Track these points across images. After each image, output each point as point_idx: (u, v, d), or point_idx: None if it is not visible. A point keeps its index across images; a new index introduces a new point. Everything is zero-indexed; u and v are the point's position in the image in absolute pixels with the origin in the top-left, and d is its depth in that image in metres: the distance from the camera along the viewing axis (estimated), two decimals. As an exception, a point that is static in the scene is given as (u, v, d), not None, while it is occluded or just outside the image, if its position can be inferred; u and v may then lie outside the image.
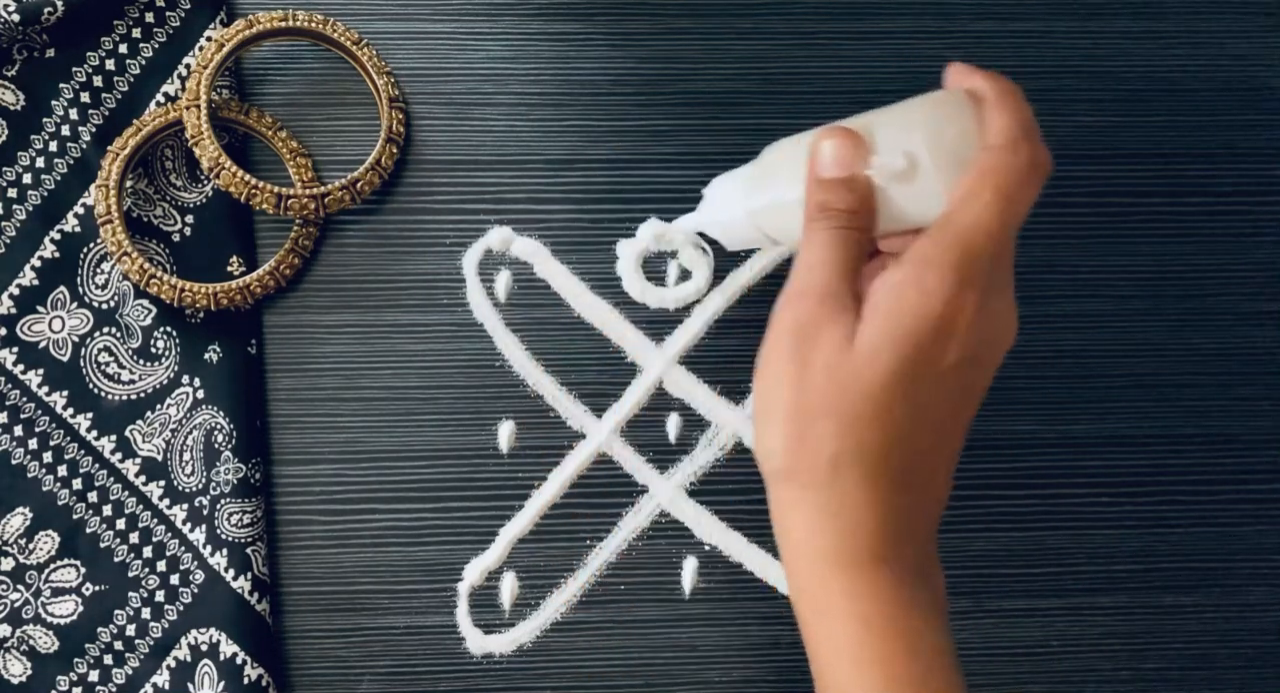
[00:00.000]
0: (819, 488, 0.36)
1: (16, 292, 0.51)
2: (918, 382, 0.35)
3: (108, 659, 0.49)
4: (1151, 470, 0.52)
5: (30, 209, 0.51)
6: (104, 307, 0.51)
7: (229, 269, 0.51)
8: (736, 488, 0.51)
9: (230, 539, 0.49)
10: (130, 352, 0.51)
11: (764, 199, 0.41)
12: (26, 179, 0.51)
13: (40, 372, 0.51)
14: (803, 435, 0.36)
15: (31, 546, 0.50)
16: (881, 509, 0.36)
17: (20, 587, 0.50)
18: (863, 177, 0.37)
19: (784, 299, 0.37)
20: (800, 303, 0.36)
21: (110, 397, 0.51)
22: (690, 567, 0.51)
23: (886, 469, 0.36)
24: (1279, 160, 0.54)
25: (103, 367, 0.51)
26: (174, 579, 0.50)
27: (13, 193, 0.51)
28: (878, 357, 0.35)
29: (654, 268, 0.52)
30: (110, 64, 0.52)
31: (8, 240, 0.51)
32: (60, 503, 0.50)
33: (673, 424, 0.51)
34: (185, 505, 0.50)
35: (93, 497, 0.50)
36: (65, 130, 0.51)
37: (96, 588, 0.50)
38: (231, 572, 0.49)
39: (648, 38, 0.53)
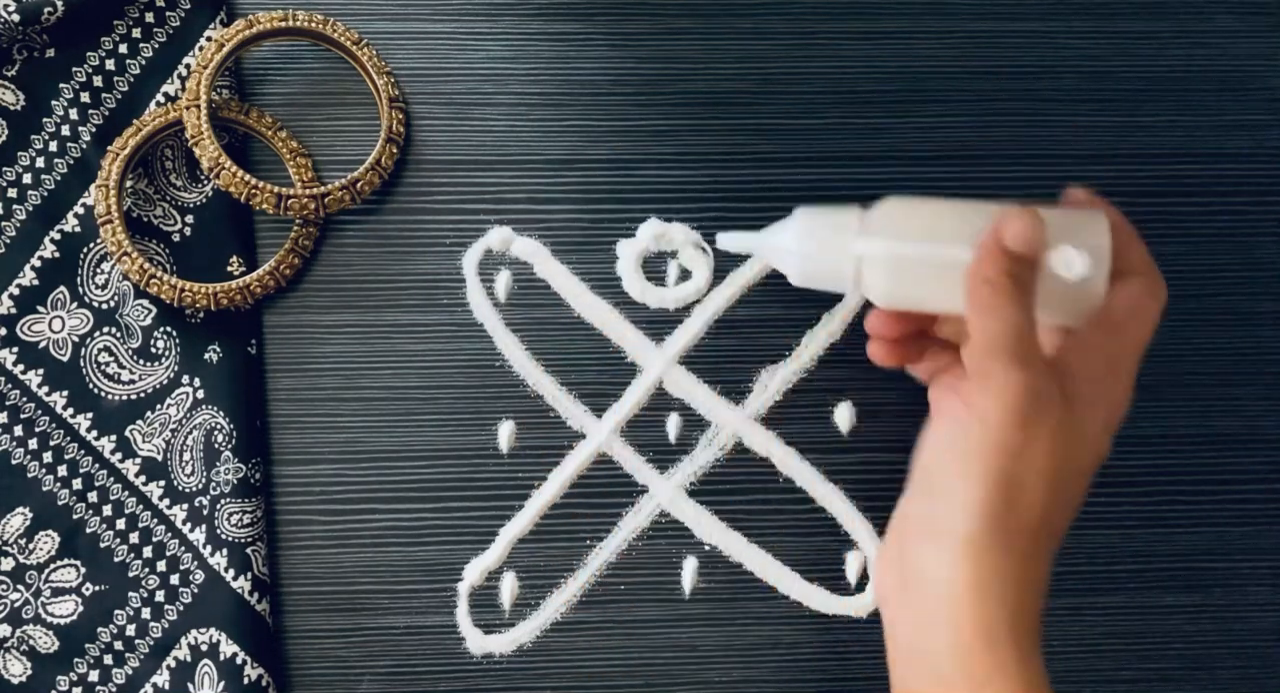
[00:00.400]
0: (1015, 556, 0.37)
1: (16, 292, 0.51)
2: (1099, 459, 0.40)
3: (108, 659, 0.49)
4: (1151, 470, 0.52)
5: (30, 209, 0.51)
6: (104, 307, 0.51)
7: (229, 269, 0.51)
8: (736, 488, 0.51)
9: (230, 539, 0.49)
10: (130, 352, 0.51)
11: (906, 251, 0.41)
12: (26, 179, 0.51)
13: (40, 372, 0.51)
14: (1012, 502, 0.37)
15: (31, 546, 0.50)
16: (1046, 586, 0.39)
17: (20, 587, 0.50)
18: (1040, 261, 0.40)
19: (996, 362, 0.38)
20: (1019, 368, 0.38)
21: (110, 397, 0.51)
22: (690, 567, 0.51)
23: (1059, 546, 0.39)
24: (1279, 160, 0.54)
25: (103, 367, 0.51)
26: (174, 579, 0.50)
27: (13, 193, 0.51)
28: (1089, 437, 0.39)
29: (654, 268, 0.52)
30: (110, 64, 0.52)
31: (8, 240, 0.51)
32: (60, 503, 0.50)
33: (673, 424, 0.51)
34: (185, 505, 0.50)
35: (93, 497, 0.50)
36: (65, 130, 0.51)
37: (96, 588, 0.50)
38: (231, 572, 0.49)
39: (648, 38, 0.53)
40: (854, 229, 0.42)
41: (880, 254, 0.41)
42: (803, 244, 0.43)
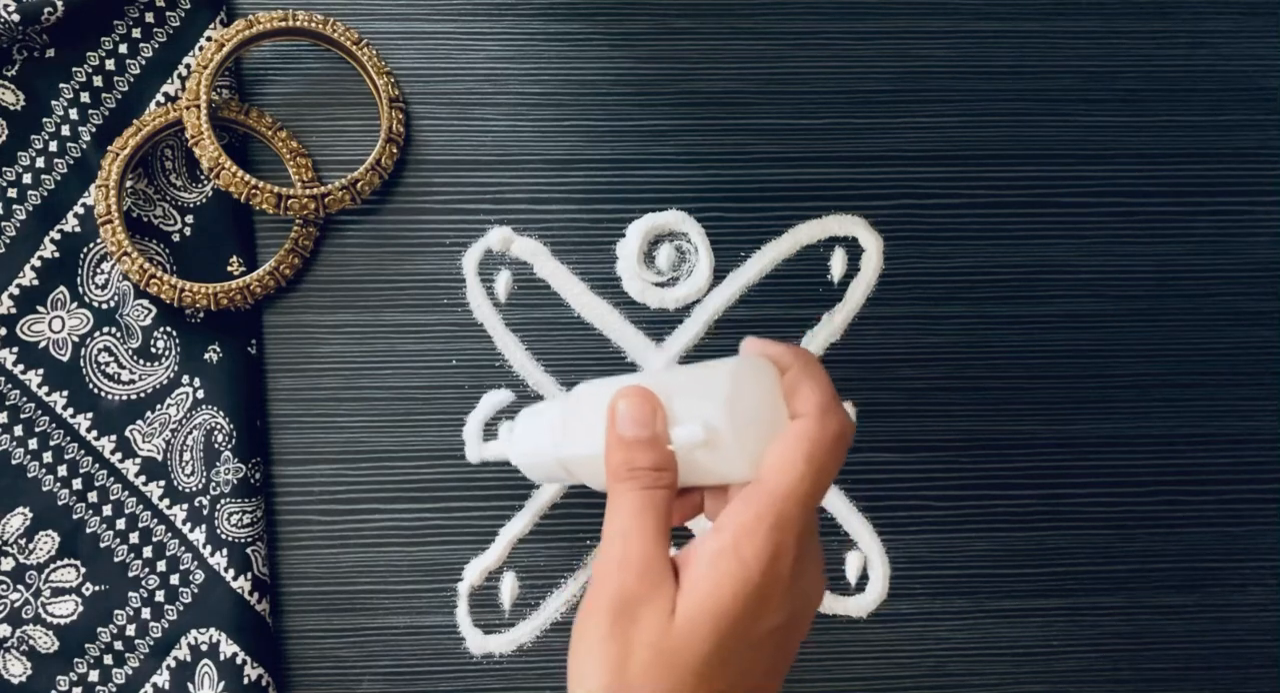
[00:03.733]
0: None
1: (16, 292, 0.51)
2: (738, 650, 0.35)
3: (108, 659, 0.49)
4: (1151, 470, 0.52)
5: (30, 209, 0.51)
6: (104, 307, 0.51)
7: (229, 269, 0.51)
8: (736, 488, 0.51)
9: (230, 539, 0.49)
10: (130, 352, 0.51)
11: (570, 450, 0.40)
12: (26, 179, 0.51)
13: (40, 372, 0.51)
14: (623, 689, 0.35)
15: (31, 546, 0.50)
16: None
17: (20, 587, 0.50)
18: (664, 435, 0.37)
19: (602, 570, 0.36)
20: (619, 576, 0.35)
21: (110, 397, 0.51)
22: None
23: None
24: (1279, 160, 0.54)
25: (103, 367, 0.51)
26: (174, 579, 0.50)
27: (13, 193, 0.51)
28: (699, 630, 0.35)
29: (654, 268, 0.52)
30: (110, 64, 0.52)
31: (8, 240, 0.51)
32: (60, 503, 0.50)
33: (673, 424, 0.51)
34: (185, 505, 0.50)
35: (93, 497, 0.50)
36: (65, 130, 0.51)
37: (96, 588, 0.50)
38: (231, 572, 0.49)
39: (648, 38, 0.53)
40: (548, 435, 0.41)
41: (565, 456, 0.40)
42: (522, 457, 0.43)
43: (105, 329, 0.51)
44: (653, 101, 0.53)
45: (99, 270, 0.51)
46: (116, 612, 0.49)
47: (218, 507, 0.49)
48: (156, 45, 0.52)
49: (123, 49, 0.52)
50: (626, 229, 0.52)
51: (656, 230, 0.52)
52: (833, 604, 0.51)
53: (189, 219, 0.52)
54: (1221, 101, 0.54)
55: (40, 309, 0.51)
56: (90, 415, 0.50)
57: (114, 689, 0.49)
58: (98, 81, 0.52)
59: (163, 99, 0.52)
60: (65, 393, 0.50)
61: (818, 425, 0.35)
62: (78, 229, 0.51)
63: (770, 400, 0.36)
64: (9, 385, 0.50)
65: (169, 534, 0.50)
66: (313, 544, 0.50)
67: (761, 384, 0.36)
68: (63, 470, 0.50)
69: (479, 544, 0.51)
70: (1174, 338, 0.53)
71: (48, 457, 0.50)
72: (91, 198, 0.51)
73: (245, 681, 0.48)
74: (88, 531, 0.50)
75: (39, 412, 0.50)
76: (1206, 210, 0.54)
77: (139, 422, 0.50)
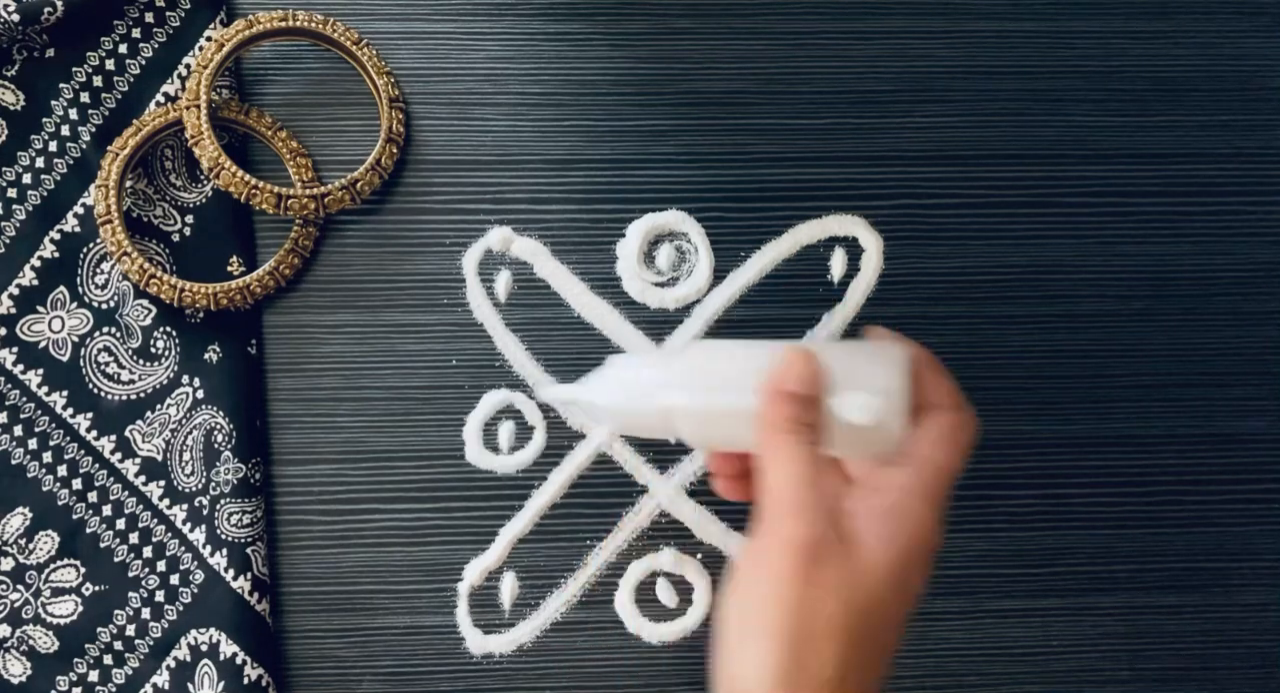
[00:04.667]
0: None
1: (16, 292, 0.51)
2: (906, 601, 0.38)
3: (108, 659, 0.49)
4: (1151, 470, 0.52)
5: (30, 209, 0.51)
6: (104, 307, 0.51)
7: (229, 269, 0.51)
8: (736, 488, 0.51)
9: (230, 539, 0.49)
10: (130, 352, 0.51)
11: (702, 401, 0.41)
12: (26, 179, 0.51)
13: (40, 372, 0.51)
14: (802, 660, 0.36)
15: (31, 546, 0.50)
16: None
17: (20, 587, 0.50)
18: (822, 399, 0.39)
19: (775, 516, 0.37)
20: (797, 521, 0.37)
21: (110, 397, 0.51)
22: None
23: (874, 686, 0.37)
24: (1279, 160, 0.54)
25: (102, 367, 0.51)
26: (174, 579, 0.50)
27: (13, 193, 0.51)
28: (882, 580, 0.37)
29: (654, 268, 0.52)
30: (110, 64, 0.52)
31: (8, 240, 0.51)
32: (60, 503, 0.50)
33: (673, 424, 0.51)
34: (185, 506, 0.50)
35: (93, 497, 0.50)
36: (65, 130, 0.51)
37: (96, 588, 0.50)
38: (231, 572, 0.49)
39: (648, 38, 0.53)
40: (658, 381, 0.42)
41: (682, 405, 0.41)
42: (615, 401, 0.43)
43: (105, 329, 0.51)
44: (653, 101, 0.53)
45: (99, 270, 0.51)
46: (116, 612, 0.49)
47: (218, 507, 0.49)
48: (156, 45, 0.52)
49: (123, 49, 0.52)
50: (626, 229, 0.52)
51: (656, 230, 0.52)
52: (833, 604, 0.51)
53: (189, 219, 0.52)
54: (1222, 101, 0.54)
55: (40, 309, 0.51)
56: (90, 415, 0.50)
57: (114, 689, 0.49)
58: (98, 81, 0.52)
59: (163, 99, 0.52)
60: (65, 393, 0.50)
61: (964, 414, 0.40)
62: (78, 229, 0.51)
63: (908, 390, 0.39)
64: (9, 385, 0.50)
65: (169, 534, 0.50)
66: (313, 544, 0.50)
67: (906, 372, 0.40)
68: (63, 470, 0.50)
69: (479, 544, 0.51)
70: (1174, 338, 0.53)
71: (48, 457, 0.50)
72: (91, 198, 0.51)
73: (245, 681, 0.48)
74: (88, 531, 0.50)
75: (39, 412, 0.50)
76: (1206, 210, 0.54)
77: (139, 422, 0.50)
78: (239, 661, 0.48)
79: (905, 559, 0.37)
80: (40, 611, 0.49)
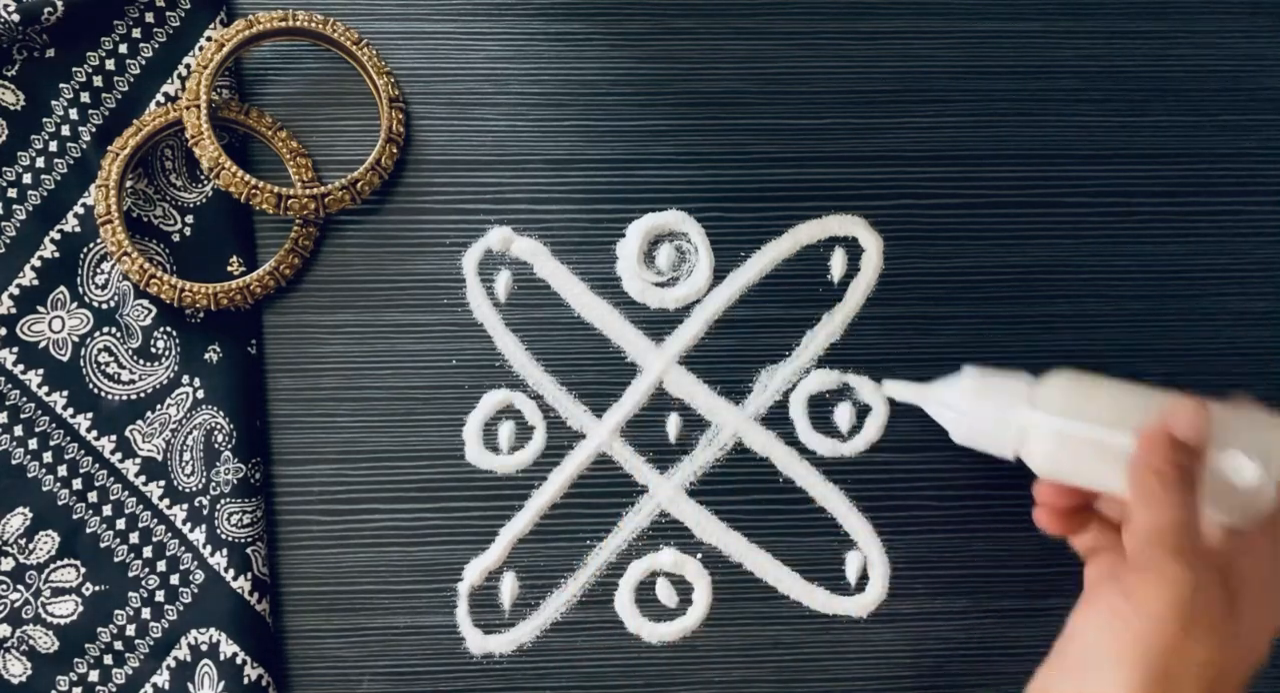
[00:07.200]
0: None
1: (16, 292, 0.51)
2: (1257, 665, 0.40)
3: (108, 659, 0.49)
4: (1151, 470, 0.52)
5: (30, 209, 0.51)
6: (104, 307, 0.51)
7: (229, 269, 0.51)
8: (736, 488, 0.51)
9: (230, 539, 0.49)
10: (130, 352, 0.51)
11: (1070, 428, 0.42)
12: (26, 179, 0.51)
13: (40, 372, 0.51)
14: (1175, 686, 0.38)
15: (31, 546, 0.50)
16: None
17: (20, 587, 0.50)
18: (1205, 455, 0.40)
19: (1159, 555, 0.38)
20: (1184, 566, 0.38)
21: (110, 397, 0.51)
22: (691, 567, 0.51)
23: None
24: (1279, 160, 0.54)
25: (103, 367, 0.51)
26: (174, 579, 0.50)
27: (13, 193, 0.51)
28: (1255, 645, 0.39)
29: (654, 268, 0.52)
30: (110, 64, 0.52)
31: (8, 240, 0.51)
32: (60, 503, 0.50)
33: (673, 424, 0.51)
34: (185, 505, 0.50)
35: (93, 497, 0.50)
36: (65, 130, 0.51)
37: (96, 588, 0.50)
38: (231, 572, 0.49)
39: (648, 38, 0.53)
40: (1023, 399, 0.43)
41: (1046, 428, 0.42)
42: (972, 406, 0.44)
43: (105, 329, 0.51)
44: (653, 101, 0.53)
45: (99, 270, 0.51)
46: (116, 612, 0.49)
47: (218, 507, 0.49)
48: (156, 45, 0.52)
49: (123, 49, 0.52)
50: (626, 229, 0.52)
51: (656, 230, 0.52)
52: (833, 604, 0.51)
53: (189, 219, 0.52)
54: (1221, 101, 0.54)
55: (40, 309, 0.51)
56: (90, 415, 0.50)
57: (114, 689, 0.49)
58: (98, 81, 0.52)
59: (163, 99, 0.52)
60: (65, 393, 0.50)
61: None
62: (78, 229, 0.51)
63: None
64: (9, 385, 0.50)
65: (169, 534, 0.50)
66: (313, 544, 0.50)
67: None
68: (63, 470, 0.50)
69: (479, 544, 0.51)
70: (1174, 338, 0.53)
71: (48, 457, 0.50)
72: (91, 198, 0.51)
73: (245, 681, 0.48)
74: (88, 531, 0.50)
75: (39, 412, 0.50)
76: (1206, 210, 0.54)
77: (139, 422, 0.50)
78: (239, 661, 0.48)
79: (1272, 626, 0.40)
80: (40, 611, 0.49)
